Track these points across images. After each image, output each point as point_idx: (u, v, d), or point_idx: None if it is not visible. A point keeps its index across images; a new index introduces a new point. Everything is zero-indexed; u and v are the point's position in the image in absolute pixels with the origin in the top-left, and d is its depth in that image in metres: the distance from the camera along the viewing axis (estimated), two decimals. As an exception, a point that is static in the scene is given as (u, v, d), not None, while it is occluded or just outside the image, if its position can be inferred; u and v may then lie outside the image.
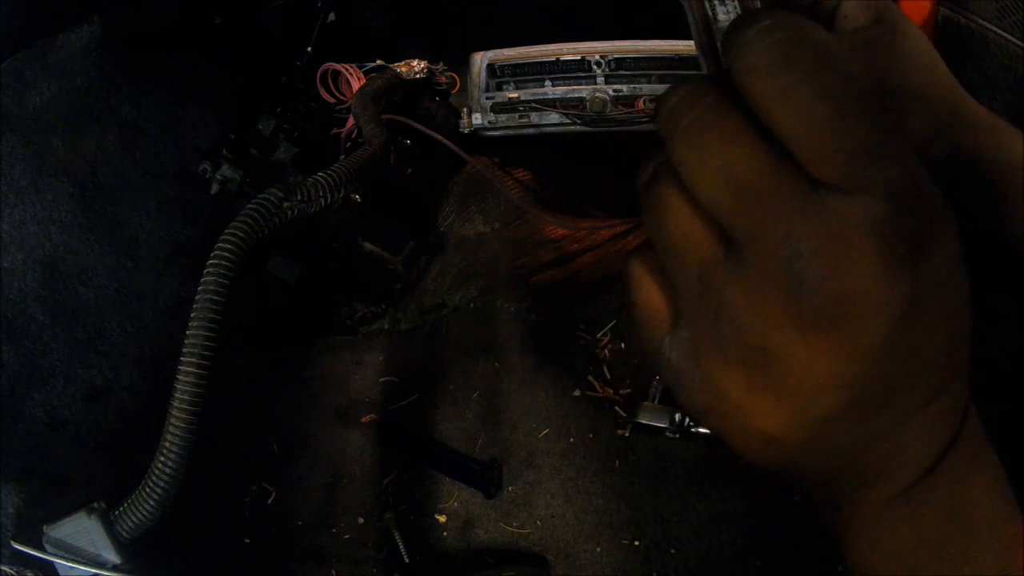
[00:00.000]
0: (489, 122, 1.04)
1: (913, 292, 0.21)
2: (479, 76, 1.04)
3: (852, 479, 0.25)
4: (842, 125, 0.20)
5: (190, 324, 0.63)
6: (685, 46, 0.99)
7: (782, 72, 0.21)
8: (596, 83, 1.03)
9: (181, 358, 0.63)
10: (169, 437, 0.62)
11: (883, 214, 0.20)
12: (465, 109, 1.06)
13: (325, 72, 1.03)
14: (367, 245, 1.00)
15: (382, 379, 0.97)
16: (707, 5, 0.29)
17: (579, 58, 1.03)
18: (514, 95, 1.04)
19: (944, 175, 0.42)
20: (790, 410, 0.23)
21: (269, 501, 0.88)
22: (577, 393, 0.93)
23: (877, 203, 0.20)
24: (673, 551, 0.83)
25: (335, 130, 1.04)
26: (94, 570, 0.64)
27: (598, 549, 0.84)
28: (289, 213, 0.71)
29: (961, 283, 0.23)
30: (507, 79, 1.06)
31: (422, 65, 1.06)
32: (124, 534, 0.65)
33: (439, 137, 1.03)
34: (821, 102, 0.20)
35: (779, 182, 0.21)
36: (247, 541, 0.86)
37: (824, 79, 0.20)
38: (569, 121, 1.04)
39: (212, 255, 0.65)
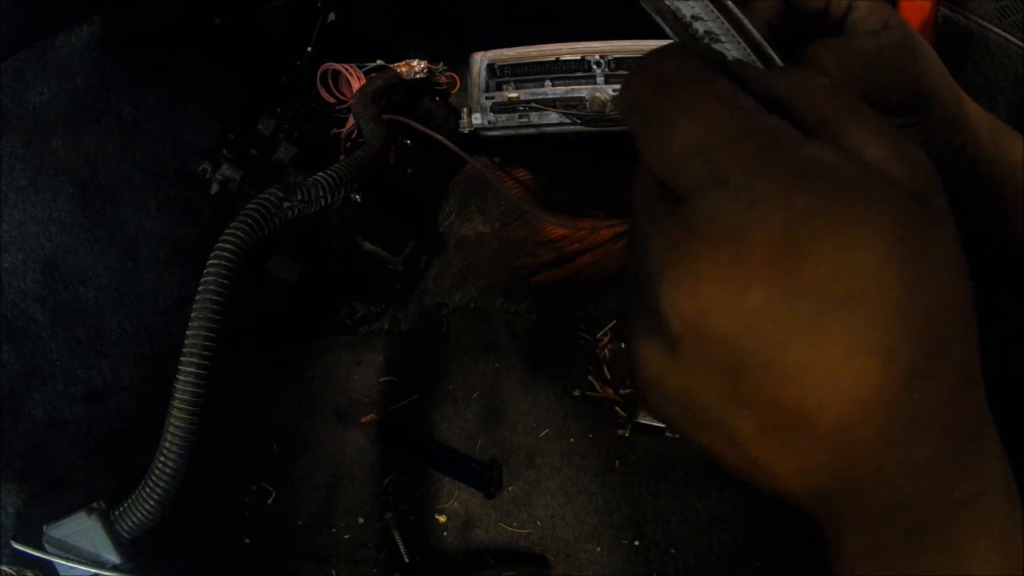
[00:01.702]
0: (489, 122, 1.04)
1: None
2: (479, 76, 1.04)
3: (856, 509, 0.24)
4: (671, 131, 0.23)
5: (190, 324, 0.63)
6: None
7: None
8: (596, 83, 1.03)
9: (181, 358, 0.63)
10: (169, 437, 0.62)
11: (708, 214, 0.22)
12: (465, 109, 1.06)
13: (325, 72, 1.03)
14: (367, 245, 1.00)
15: (382, 379, 0.97)
16: (668, 4, 0.29)
17: (579, 58, 1.03)
18: (514, 95, 1.04)
19: (948, 177, 0.43)
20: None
21: (269, 501, 0.88)
22: (577, 393, 0.93)
23: (713, 203, 0.22)
24: (673, 551, 0.83)
25: (335, 130, 1.04)
26: (94, 570, 0.64)
27: (598, 549, 0.84)
28: (289, 213, 0.71)
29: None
30: (507, 79, 1.06)
31: (422, 65, 1.06)
32: (124, 534, 0.65)
33: (439, 137, 1.03)
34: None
35: (641, 200, 0.25)
36: (247, 541, 0.86)
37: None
38: (569, 121, 1.03)
39: (212, 255, 0.65)
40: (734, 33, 0.29)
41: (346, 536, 0.87)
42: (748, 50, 0.30)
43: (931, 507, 0.23)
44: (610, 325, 0.97)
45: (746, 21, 0.29)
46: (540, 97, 1.04)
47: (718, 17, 0.29)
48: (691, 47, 0.28)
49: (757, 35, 0.29)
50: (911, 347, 0.21)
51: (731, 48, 0.30)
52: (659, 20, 0.30)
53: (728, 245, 0.21)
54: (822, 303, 0.21)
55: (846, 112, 0.24)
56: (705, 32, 0.29)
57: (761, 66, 0.29)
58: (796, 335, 0.21)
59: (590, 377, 0.93)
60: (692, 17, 0.29)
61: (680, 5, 0.29)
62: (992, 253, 0.46)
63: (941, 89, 0.40)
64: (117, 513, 0.65)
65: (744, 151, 0.22)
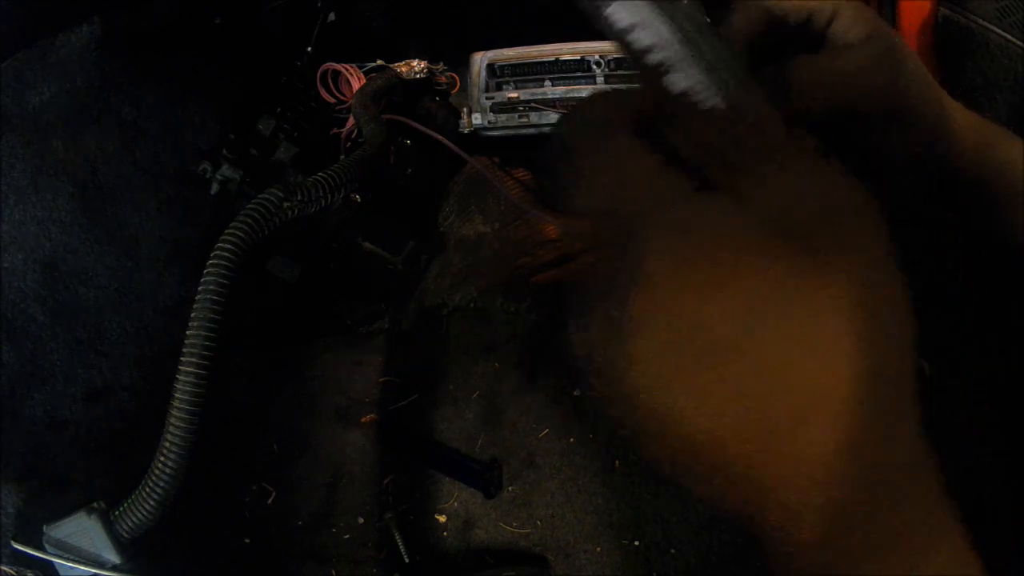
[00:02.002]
0: (489, 122, 1.04)
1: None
2: (479, 76, 1.04)
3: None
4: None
5: (190, 324, 0.63)
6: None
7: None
8: (596, 83, 1.03)
9: (181, 358, 0.63)
10: (169, 437, 0.62)
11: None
12: (465, 109, 1.06)
13: (325, 72, 1.03)
14: (367, 245, 1.00)
15: (382, 379, 0.97)
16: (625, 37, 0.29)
17: (579, 58, 1.03)
18: (514, 95, 1.04)
19: (939, 185, 0.43)
20: None
21: (269, 501, 0.88)
22: (577, 393, 0.93)
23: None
24: (673, 551, 0.83)
25: (335, 130, 1.04)
26: (94, 570, 0.64)
27: (598, 549, 0.84)
28: (289, 213, 0.71)
29: None
30: (507, 79, 1.06)
31: (422, 65, 1.06)
32: (124, 534, 0.65)
33: (439, 137, 1.03)
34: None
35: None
36: (247, 541, 0.86)
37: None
38: (569, 121, 1.03)
39: (212, 255, 0.65)
40: (690, 61, 0.28)
41: (346, 536, 0.87)
42: (704, 78, 0.28)
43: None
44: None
45: (707, 48, 0.28)
46: (540, 97, 1.04)
47: (674, 45, 0.28)
48: (609, 101, 0.29)
49: (720, 62, 0.29)
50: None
51: (683, 79, 0.29)
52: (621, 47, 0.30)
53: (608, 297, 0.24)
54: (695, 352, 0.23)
55: (759, 156, 0.26)
56: (660, 62, 0.29)
57: (718, 97, 0.28)
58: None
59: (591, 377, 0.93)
60: (645, 48, 0.29)
61: (634, 37, 0.29)
62: (991, 255, 0.46)
63: (924, 102, 0.39)
64: (117, 513, 0.65)
65: (626, 208, 0.25)
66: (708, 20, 0.29)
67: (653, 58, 0.28)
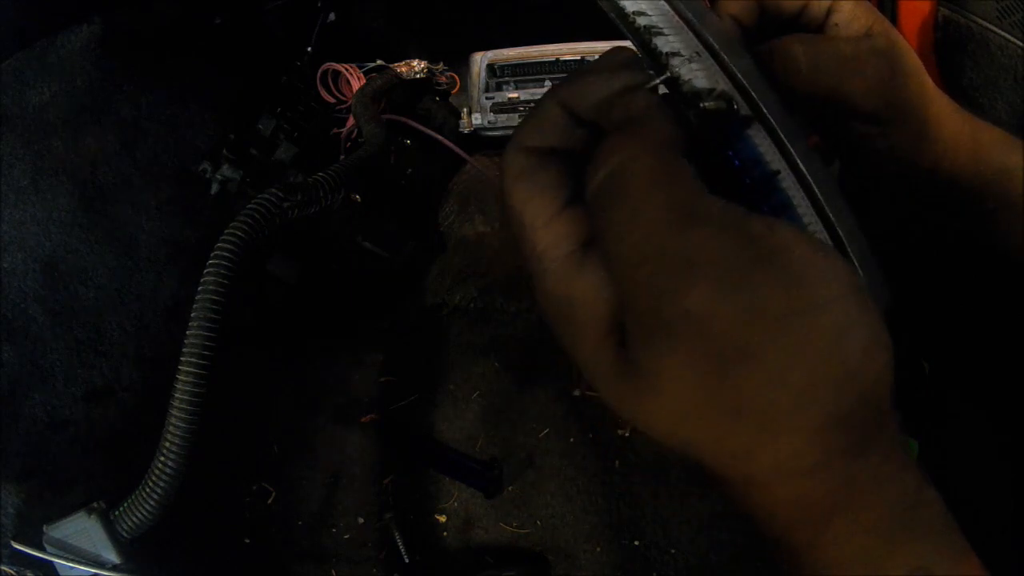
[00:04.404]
0: (489, 122, 1.04)
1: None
2: (479, 76, 1.04)
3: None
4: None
5: (190, 324, 0.63)
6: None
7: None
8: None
9: (181, 358, 0.63)
10: (169, 437, 0.62)
11: None
12: (465, 109, 1.06)
13: (325, 72, 1.03)
14: (367, 245, 1.00)
15: (382, 379, 0.98)
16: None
17: (579, 58, 1.03)
18: (514, 95, 1.04)
19: (931, 187, 0.42)
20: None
21: (269, 501, 0.88)
22: (577, 393, 0.93)
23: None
24: (673, 551, 0.83)
25: (335, 130, 1.04)
26: (94, 570, 0.63)
27: (598, 549, 0.84)
28: (289, 213, 0.71)
29: None
30: (507, 79, 1.06)
31: (422, 65, 1.06)
32: (124, 534, 0.65)
33: (439, 137, 1.03)
34: None
35: None
36: (247, 541, 0.86)
37: None
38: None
39: (212, 255, 0.65)
40: (683, 26, 0.29)
41: (346, 536, 0.87)
42: (697, 43, 0.29)
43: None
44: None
45: (693, 18, 0.29)
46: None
47: (664, 13, 0.29)
48: (548, 130, 0.29)
49: (705, 32, 0.29)
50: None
51: (675, 41, 0.29)
52: (612, 16, 0.30)
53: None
54: None
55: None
56: (647, 26, 0.29)
57: (712, 60, 0.29)
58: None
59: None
60: (635, 13, 0.29)
61: (626, 3, 0.29)
62: (989, 258, 0.46)
63: (917, 103, 0.38)
64: (117, 513, 0.65)
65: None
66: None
67: (642, 21, 0.29)
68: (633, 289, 0.25)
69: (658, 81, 0.28)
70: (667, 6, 0.29)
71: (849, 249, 0.29)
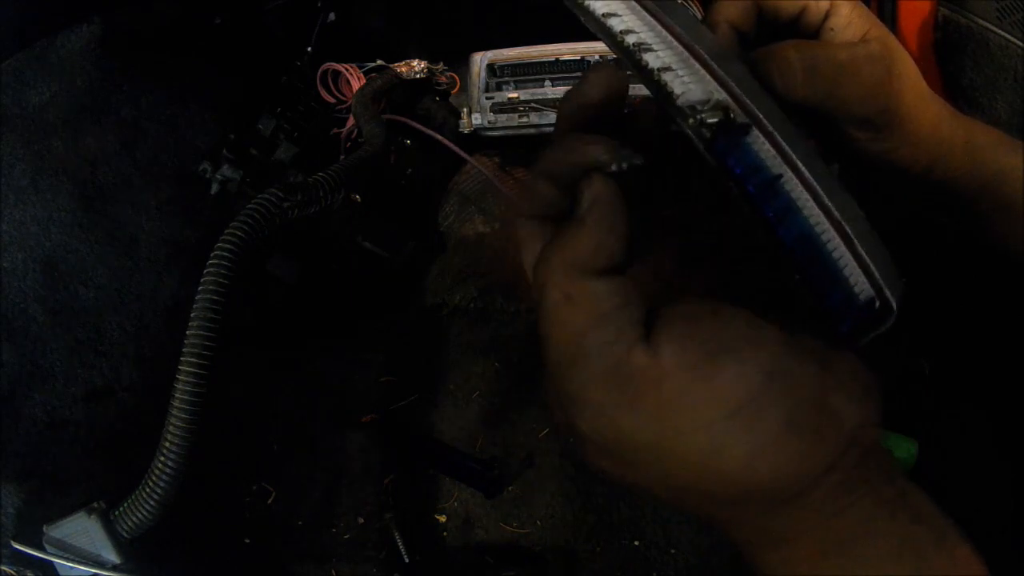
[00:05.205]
0: (489, 122, 1.04)
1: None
2: (479, 76, 1.04)
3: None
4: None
5: (190, 324, 0.63)
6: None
7: None
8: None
9: (181, 358, 0.63)
10: (169, 437, 0.62)
11: None
12: (465, 109, 1.06)
13: (325, 72, 1.03)
14: (367, 245, 1.00)
15: (382, 379, 0.98)
16: (603, 23, 0.30)
17: (579, 58, 1.03)
18: (514, 95, 1.04)
19: (927, 190, 0.42)
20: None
21: (269, 501, 0.88)
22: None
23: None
24: (673, 551, 0.83)
25: (335, 130, 1.04)
26: (94, 570, 0.64)
27: (598, 549, 0.84)
28: (289, 213, 0.71)
29: None
30: (507, 79, 1.06)
31: (422, 65, 1.06)
32: (124, 534, 0.65)
33: (439, 137, 1.03)
34: None
35: None
36: (247, 541, 0.86)
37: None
38: (569, 121, 1.03)
39: (212, 255, 0.65)
40: (672, 40, 0.29)
41: (346, 536, 0.87)
42: (687, 55, 0.29)
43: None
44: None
45: (682, 31, 0.29)
46: (540, 97, 1.04)
47: (653, 28, 0.29)
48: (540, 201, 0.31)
49: (695, 44, 0.29)
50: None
51: (666, 56, 0.29)
52: (600, 36, 0.30)
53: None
54: None
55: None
56: (636, 44, 0.30)
57: (705, 72, 0.30)
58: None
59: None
60: (623, 31, 0.30)
61: (613, 22, 0.30)
62: (989, 258, 0.46)
63: (914, 109, 0.38)
64: (117, 513, 0.65)
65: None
66: (688, 9, 0.30)
67: (631, 39, 0.29)
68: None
69: (623, 165, 0.28)
70: (655, 22, 0.29)
71: (859, 245, 0.29)
